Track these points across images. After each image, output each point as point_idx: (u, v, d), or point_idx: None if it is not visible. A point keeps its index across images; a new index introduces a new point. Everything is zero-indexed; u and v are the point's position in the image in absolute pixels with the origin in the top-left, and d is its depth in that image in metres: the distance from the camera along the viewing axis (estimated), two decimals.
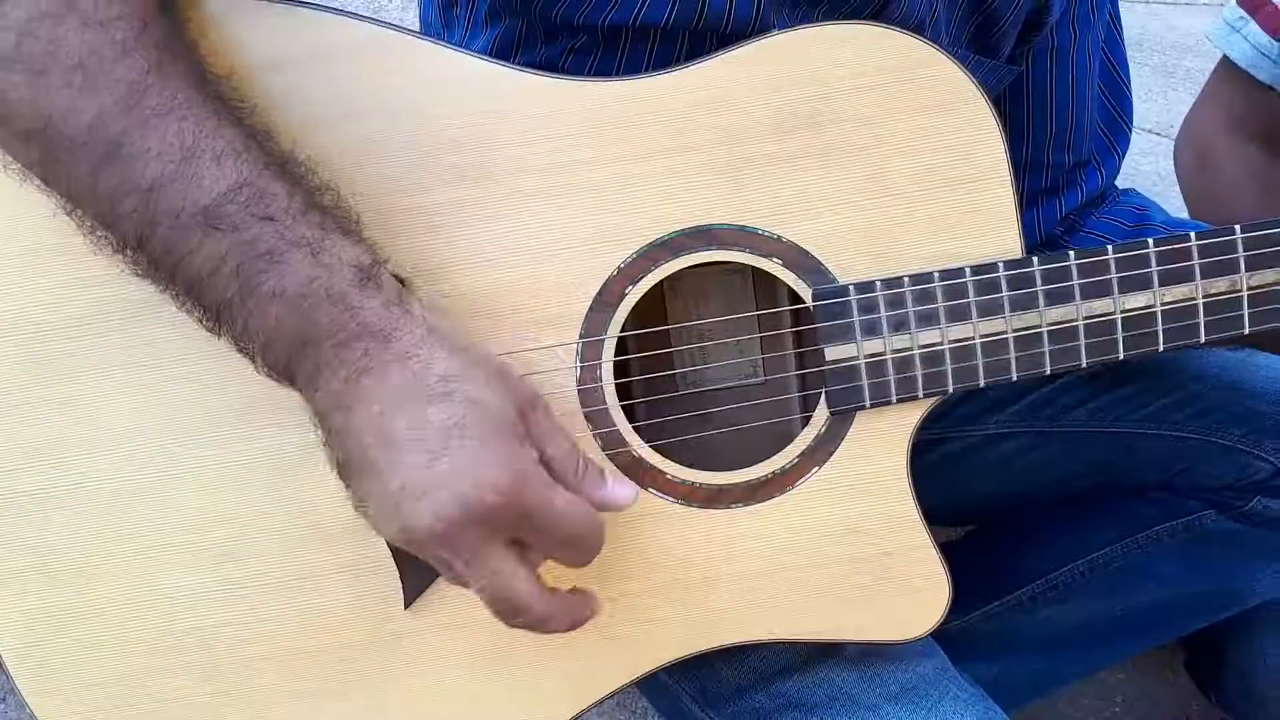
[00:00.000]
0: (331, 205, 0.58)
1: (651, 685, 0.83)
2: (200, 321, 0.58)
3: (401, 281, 0.62)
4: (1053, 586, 1.01)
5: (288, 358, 0.56)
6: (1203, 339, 0.68)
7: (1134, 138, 0.94)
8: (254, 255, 0.54)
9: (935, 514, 0.71)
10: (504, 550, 0.56)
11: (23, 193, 0.59)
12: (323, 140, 0.62)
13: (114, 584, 0.66)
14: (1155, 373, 0.93)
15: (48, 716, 0.68)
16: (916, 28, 0.70)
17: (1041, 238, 0.91)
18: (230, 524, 0.66)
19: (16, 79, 0.53)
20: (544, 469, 0.57)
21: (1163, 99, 2.02)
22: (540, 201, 0.65)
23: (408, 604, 0.68)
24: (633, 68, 0.71)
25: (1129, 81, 0.90)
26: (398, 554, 0.67)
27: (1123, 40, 0.89)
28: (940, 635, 0.80)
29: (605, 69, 0.72)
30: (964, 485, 1.01)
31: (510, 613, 0.58)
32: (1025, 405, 0.97)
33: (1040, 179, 0.89)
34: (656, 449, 0.69)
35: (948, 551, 0.71)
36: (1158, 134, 1.89)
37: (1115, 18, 0.88)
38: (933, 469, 0.95)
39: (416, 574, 0.67)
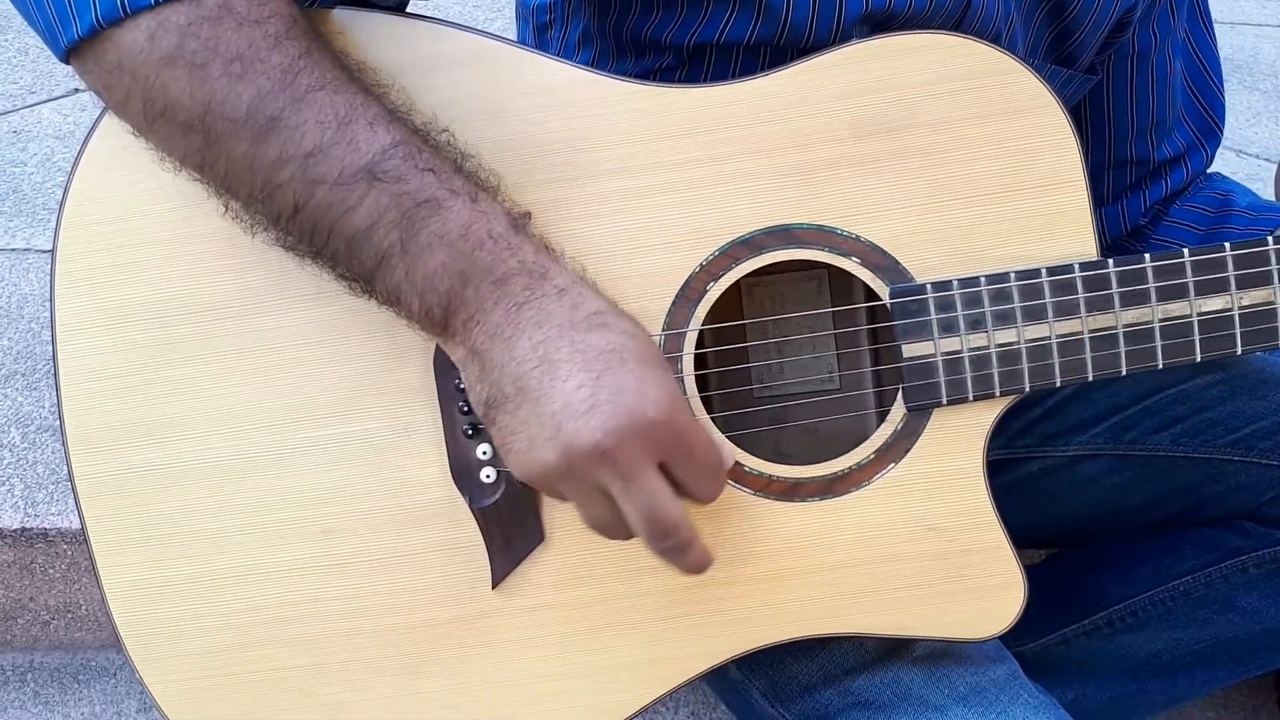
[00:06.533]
0: (475, 169, 0.63)
1: (722, 682, 0.84)
2: (350, 283, 0.62)
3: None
4: (1131, 613, 0.99)
5: (448, 299, 0.60)
6: None
7: (1241, 163, 0.94)
8: (416, 203, 0.58)
9: (1015, 535, 0.71)
10: (657, 472, 0.60)
11: (151, 185, 0.65)
12: None
13: (221, 557, 0.70)
14: (1245, 398, 0.92)
15: (153, 681, 0.72)
16: (993, 39, 0.72)
17: (1127, 230, 0.92)
18: (331, 503, 0.70)
19: (178, 74, 0.57)
20: None
21: (1273, 123, 1.96)
22: (629, 201, 0.69)
23: (495, 585, 0.70)
24: (718, 81, 0.75)
25: (1221, 83, 0.91)
26: (487, 535, 0.70)
27: (1214, 42, 0.90)
28: (1016, 657, 0.79)
29: (692, 83, 0.75)
30: (1044, 507, 1.00)
31: (662, 533, 0.61)
32: (1108, 427, 0.97)
33: (1125, 176, 0.91)
34: (733, 442, 0.71)
35: (1028, 574, 0.71)
36: (1266, 159, 1.84)
37: (1205, 17, 0.89)
38: (1013, 489, 0.96)
39: (504, 555, 0.70)
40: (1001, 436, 0.71)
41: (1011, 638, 0.73)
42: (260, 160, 0.58)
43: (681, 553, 0.62)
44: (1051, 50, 0.80)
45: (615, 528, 0.62)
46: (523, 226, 0.61)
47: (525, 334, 0.59)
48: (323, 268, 0.63)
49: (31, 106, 1.53)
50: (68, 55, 0.60)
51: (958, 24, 0.72)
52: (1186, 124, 0.90)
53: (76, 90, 1.56)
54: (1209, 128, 0.91)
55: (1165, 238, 0.92)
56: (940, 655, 0.75)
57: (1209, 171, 0.94)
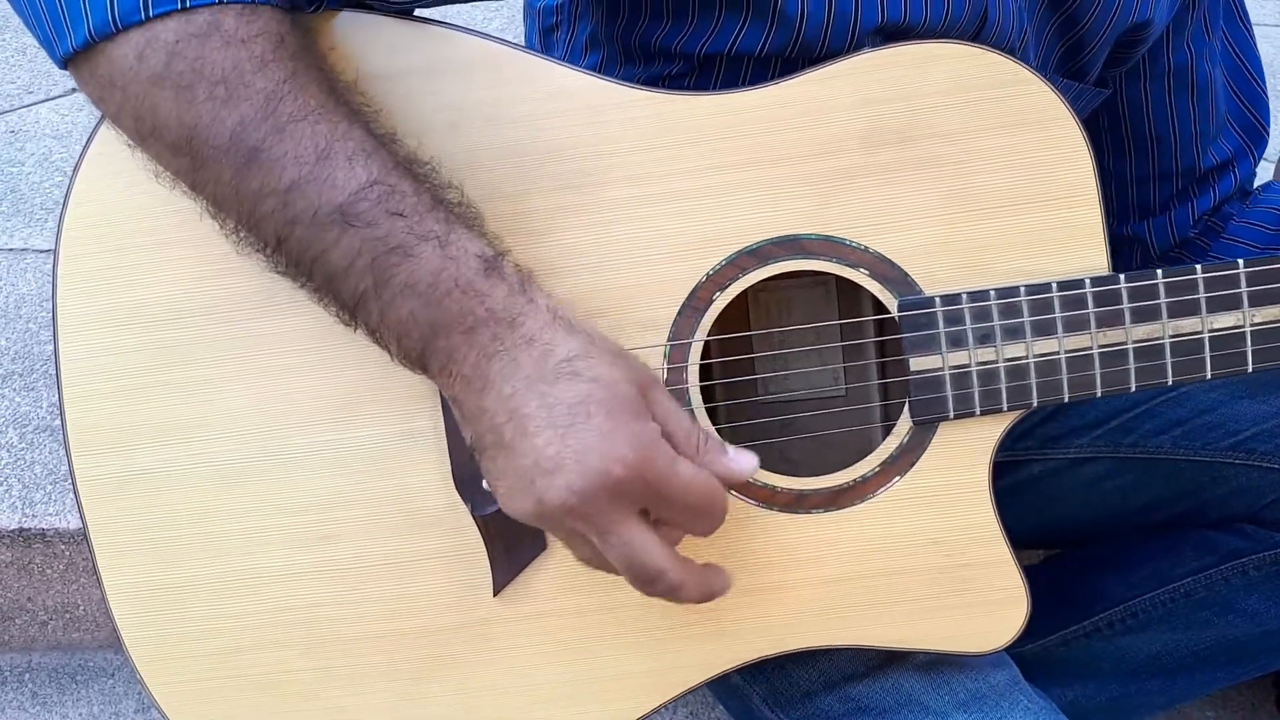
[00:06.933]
0: (455, 201, 0.62)
1: (723, 686, 0.84)
2: (337, 315, 0.61)
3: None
4: (1132, 614, 0.99)
5: (422, 347, 0.59)
6: None
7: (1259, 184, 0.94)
8: (386, 250, 0.57)
9: (1015, 536, 0.71)
10: (635, 520, 0.59)
11: (151, 189, 0.64)
12: (433, 148, 0.65)
13: (222, 561, 0.70)
14: (1247, 400, 0.92)
15: (156, 684, 0.72)
16: (1007, 52, 0.72)
17: (1175, 240, 0.92)
18: (331, 508, 0.70)
19: (165, 94, 0.57)
20: (666, 443, 0.59)
21: (1272, 124, 1.96)
22: (635, 209, 0.68)
23: (496, 592, 0.70)
24: (727, 88, 0.74)
25: (1264, 85, 0.90)
26: (489, 543, 0.70)
27: (1254, 42, 0.89)
28: (1016, 658, 0.80)
29: (701, 90, 0.75)
30: (1045, 508, 1.00)
31: (646, 580, 0.60)
32: (1109, 429, 0.96)
33: (1170, 186, 0.90)
34: None
35: (1028, 574, 0.71)
36: (1265, 159, 1.83)
37: (1244, 19, 0.88)
38: (1014, 491, 0.96)
39: (506, 563, 0.70)
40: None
41: None
42: (244, 191, 0.58)
43: (673, 594, 0.61)
44: (1063, 64, 0.80)
45: (605, 567, 0.62)
46: (496, 267, 0.59)
47: (494, 387, 0.58)
48: (310, 297, 0.62)
49: (29, 106, 1.52)
50: (64, 65, 0.59)
51: (974, 38, 0.71)
52: (1232, 127, 0.90)
53: (74, 90, 1.55)
54: (1255, 129, 0.91)
55: (1224, 256, 0.92)
56: (940, 661, 0.76)
57: (1269, 181, 0.93)
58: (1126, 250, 0.95)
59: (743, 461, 0.63)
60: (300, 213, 0.57)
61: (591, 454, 0.57)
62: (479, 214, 0.63)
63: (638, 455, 0.57)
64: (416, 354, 0.60)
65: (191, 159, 0.58)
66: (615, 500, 0.58)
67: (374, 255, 0.57)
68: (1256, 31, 0.91)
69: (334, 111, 0.58)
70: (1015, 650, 0.81)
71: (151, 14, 0.56)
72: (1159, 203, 0.92)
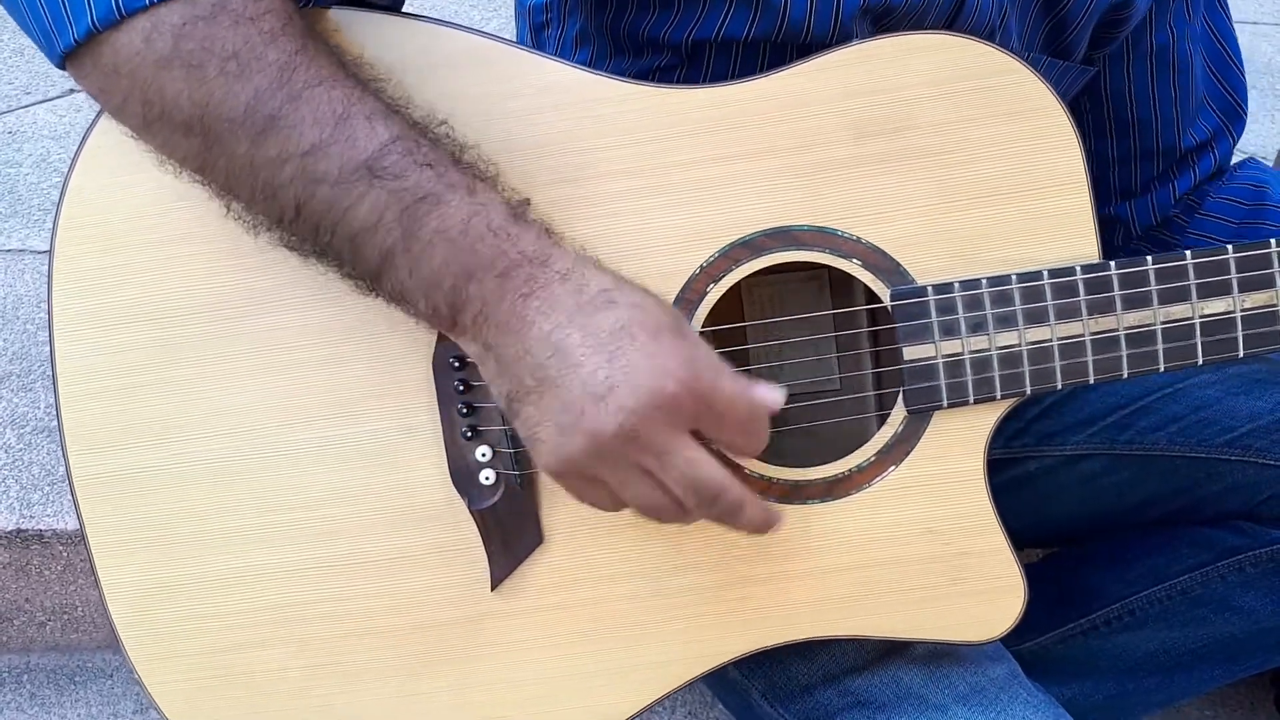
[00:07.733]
0: (474, 160, 0.63)
1: (721, 683, 0.84)
2: (355, 282, 0.62)
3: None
4: (1129, 612, 0.99)
5: (453, 296, 0.60)
6: None
7: (1236, 159, 0.95)
8: (416, 200, 0.58)
9: (1012, 534, 0.71)
10: (690, 439, 0.59)
11: (147, 187, 0.64)
12: None
13: (218, 558, 0.70)
14: (1243, 397, 0.93)
15: (153, 682, 0.72)
16: (987, 34, 0.72)
17: (1157, 220, 0.93)
18: (330, 504, 0.70)
19: (175, 75, 0.57)
20: (707, 359, 0.60)
21: (1269, 122, 1.97)
22: (628, 202, 0.68)
23: (494, 586, 0.70)
24: (717, 80, 0.74)
25: (1242, 66, 0.91)
26: (486, 537, 0.70)
27: (1232, 27, 0.90)
28: (1014, 656, 0.80)
29: (691, 82, 0.75)
30: (1041, 506, 1.01)
31: (710, 497, 0.61)
32: (1105, 426, 0.97)
33: (1152, 166, 0.91)
34: None
35: (1025, 573, 0.72)
36: (1262, 157, 1.85)
37: (1223, 5, 0.89)
38: (1010, 488, 0.96)
39: (503, 557, 0.70)
40: (999, 436, 0.71)
41: (1009, 637, 0.73)
42: (260, 160, 0.58)
43: (736, 513, 0.62)
44: (1048, 43, 0.80)
45: (665, 506, 0.62)
46: (522, 214, 0.60)
47: (535, 324, 0.59)
48: (327, 267, 0.62)
49: (27, 107, 1.53)
50: (64, 61, 0.59)
51: (953, 16, 0.72)
52: (1211, 109, 0.91)
53: (72, 91, 1.56)
54: (1233, 110, 0.91)
55: (1201, 232, 0.93)
56: (940, 655, 0.76)
57: (1243, 158, 0.94)
58: (1109, 231, 0.95)
59: (771, 394, 0.62)
60: (324, 173, 0.58)
61: (640, 372, 0.57)
62: (498, 170, 0.64)
63: (686, 370, 0.58)
64: (447, 305, 0.60)
65: (203, 137, 0.58)
66: (669, 417, 0.58)
67: (403, 206, 0.58)
68: (1256, 31, 0.92)
69: (347, 78, 0.59)
70: (1013, 648, 0.81)
71: None
72: (1140, 183, 0.92)
